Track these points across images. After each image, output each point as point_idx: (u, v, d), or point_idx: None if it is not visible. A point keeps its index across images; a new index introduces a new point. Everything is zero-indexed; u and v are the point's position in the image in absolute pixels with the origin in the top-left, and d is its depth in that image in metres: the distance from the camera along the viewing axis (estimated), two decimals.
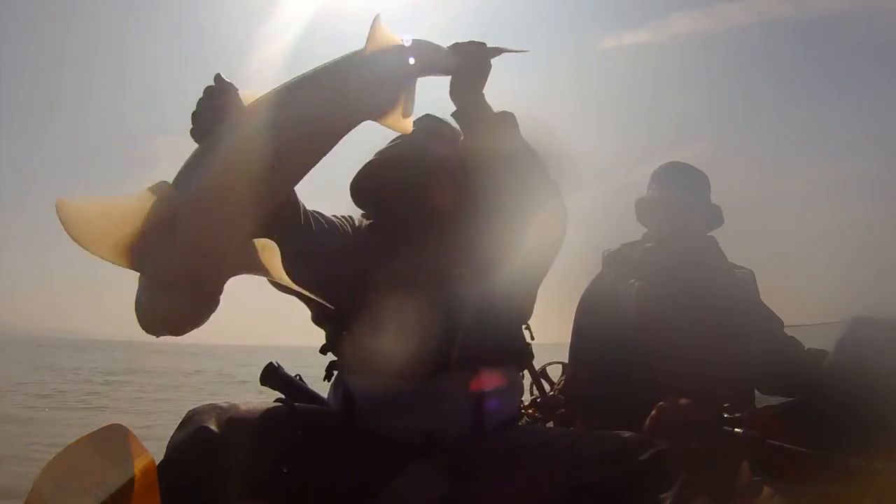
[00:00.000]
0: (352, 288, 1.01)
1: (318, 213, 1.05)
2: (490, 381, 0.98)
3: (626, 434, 0.89)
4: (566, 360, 1.50)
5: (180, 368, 13.92)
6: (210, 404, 0.93)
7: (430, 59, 0.90)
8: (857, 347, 1.05)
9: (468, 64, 0.97)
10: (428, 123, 1.13)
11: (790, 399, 1.20)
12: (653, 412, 1.09)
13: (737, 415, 1.04)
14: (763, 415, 1.14)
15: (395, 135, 1.08)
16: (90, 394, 6.70)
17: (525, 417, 1.42)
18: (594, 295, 1.40)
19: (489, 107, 1.00)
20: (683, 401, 1.09)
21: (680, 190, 1.39)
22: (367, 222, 1.13)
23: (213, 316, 0.71)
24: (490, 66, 0.98)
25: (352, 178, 1.13)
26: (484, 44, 0.98)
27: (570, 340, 1.37)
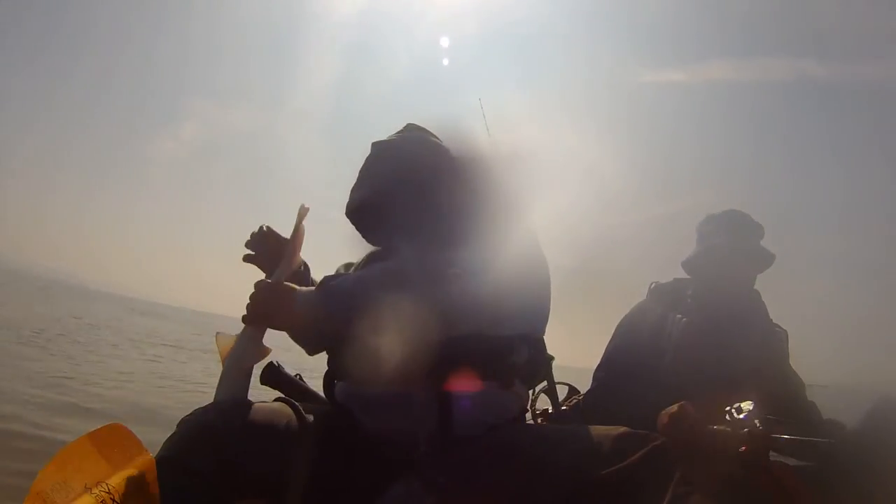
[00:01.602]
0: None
1: None
2: (466, 386, 0.96)
3: (623, 429, 0.87)
4: (571, 383, 1.50)
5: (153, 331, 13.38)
6: (212, 403, 0.93)
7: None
8: (879, 427, 1.04)
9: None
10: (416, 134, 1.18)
11: (802, 464, 1.20)
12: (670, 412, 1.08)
13: (742, 417, 1.01)
14: (780, 468, 1.13)
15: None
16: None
17: None
18: (636, 321, 1.41)
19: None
20: (699, 405, 1.08)
21: (748, 240, 1.39)
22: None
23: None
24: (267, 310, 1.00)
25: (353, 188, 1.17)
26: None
27: (601, 358, 1.37)
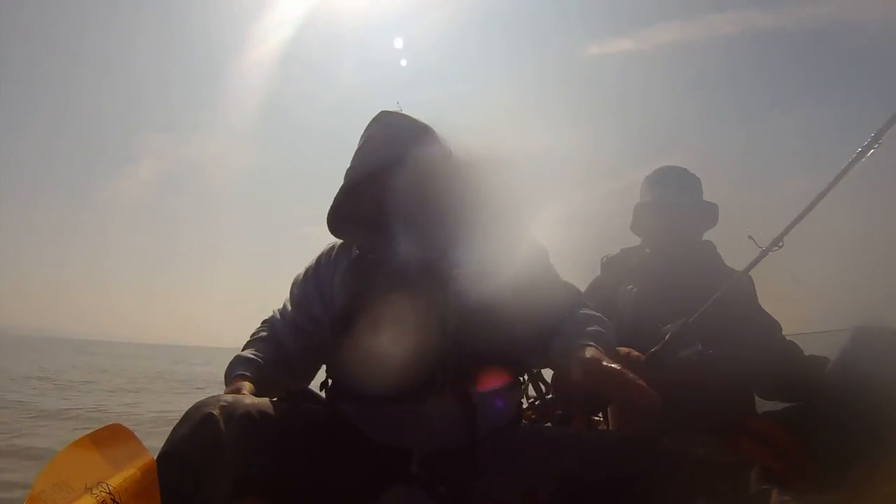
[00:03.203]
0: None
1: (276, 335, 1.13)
2: (482, 390, 0.95)
3: (627, 434, 0.88)
4: None
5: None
6: (214, 397, 0.91)
7: None
8: (859, 356, 1.05)
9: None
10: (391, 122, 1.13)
11: (791, 405, 1.20)
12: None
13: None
14: (765, 423, 1.13)
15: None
16: None
17: (523, 421, 1.41)
18: (590, 299, 1.39)
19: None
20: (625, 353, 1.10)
21: (675, 193, 1.39)
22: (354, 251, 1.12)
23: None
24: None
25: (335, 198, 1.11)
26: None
27: None
